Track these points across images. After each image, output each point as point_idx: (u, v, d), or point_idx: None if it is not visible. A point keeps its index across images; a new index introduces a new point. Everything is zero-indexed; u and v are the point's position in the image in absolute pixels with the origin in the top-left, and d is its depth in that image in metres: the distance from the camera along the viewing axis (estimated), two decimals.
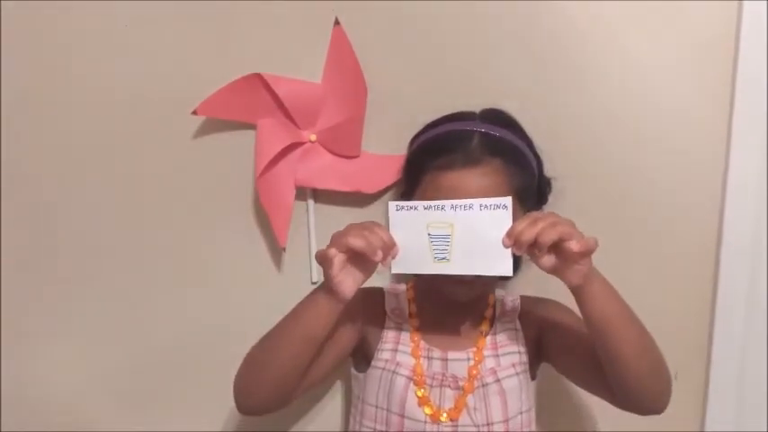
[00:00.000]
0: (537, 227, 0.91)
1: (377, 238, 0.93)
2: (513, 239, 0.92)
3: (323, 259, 0.93)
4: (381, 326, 1.13)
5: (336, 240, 0.93)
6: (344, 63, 1.18)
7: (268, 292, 1.28)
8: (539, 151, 1.13)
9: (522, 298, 1.16)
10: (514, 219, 0.98)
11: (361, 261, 0.95)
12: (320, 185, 1.23)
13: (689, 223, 1.25)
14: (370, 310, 1.12)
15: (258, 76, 1.17)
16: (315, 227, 1.25)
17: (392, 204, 0.97)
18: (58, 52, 1.24)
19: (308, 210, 1.25)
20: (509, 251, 0.94)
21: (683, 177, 1.23)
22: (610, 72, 1.21)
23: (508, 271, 0.95)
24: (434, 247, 0.96)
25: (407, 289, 1.16)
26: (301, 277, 1.27)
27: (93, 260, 1.30)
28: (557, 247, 0.92)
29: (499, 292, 1.17)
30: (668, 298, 1.26)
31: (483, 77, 1.21)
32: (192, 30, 1.22)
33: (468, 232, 0.95)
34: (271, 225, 1.23)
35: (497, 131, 1.07)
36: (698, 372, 1.28)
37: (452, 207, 0.95)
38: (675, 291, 1.27)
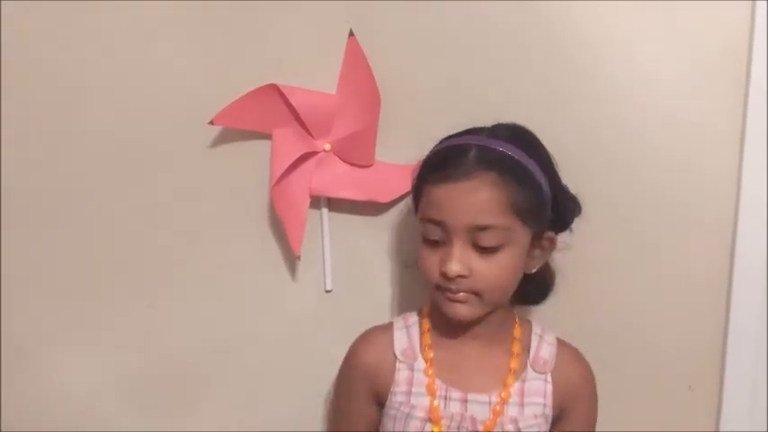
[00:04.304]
0: None
1: None
2: None
3: None
4: (392, 371, 1.08)
5: None
6: (359, 74, 1.18)
7: (282, 300, 1.29)
8: (557, 170, 1.08)
9: (560, 345, 1.11)
10: (516, 238, 1.00)
11: None
12: (334, 194, 1.24)
13: (702, 232, 1.24)
14: (379, 363, 1.09)
15: (274, 87, 1.18)
16: (329, 235, 1.26)
17: None
18: (73, 60, 1.25)
19: (322, 218, 1.26)
20: None
21: (695, 188, 1.22)
22: (620, 81, 1.21)
23: None
24: None
25: (424, 316, 1.11)
26: (315, 285, 1.28)
27: (106, 267, 1.31)
28: None
29: (535, 328, 1.12)
30: (681, 309, 1.25)
31: (496, 87, 1.21)
32: (208, 41, 1.23)
33: None
34: (285, 233, 1.23)
35: (497, 145, 1.02)
36: (711, 383, 1.26)
37: None
38: (689, 301, 1.25)
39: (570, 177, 1.14)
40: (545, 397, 1.07)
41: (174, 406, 1.36)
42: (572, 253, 1.14)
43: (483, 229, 0.99)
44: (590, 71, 1.21)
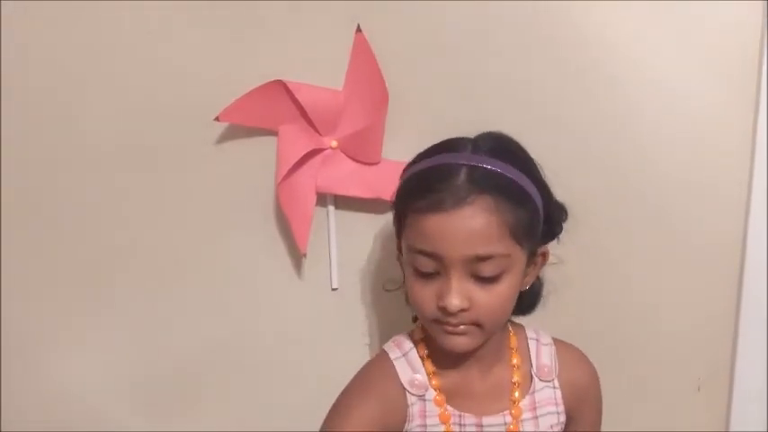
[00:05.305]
0: None
1: None
2: None
3: None
4: (404, 405, 1.01)
5: None
6: (366, 70, 1.18)
7: (287, 298, 1.29)
8: (545, 178, 1.01)
9: (558, 347, 1.08)
10: (514, 262, 0.93)
11: None
12: (341, 192, 1.23)
13: (712, 232, 1.24)
14: (390, 395, 1.01)
15: (280, 83, 1.17)
16: (335, 233, 1.26)
17: None
18: (73, 60, 1.24)
19: (328, 216, 1.25)
20: None
21: (706, 182, 1.23)
22: (624, 84, 1.21)
23: None
24: None
25: (418, 342, 1.05)
26: (321, 283, 1.28)
27: (110, 266, 1.30)
28: None
29: (529, 332, 1.08)
30: (691, 309, 1.25)
31: (503, 84, 1.21)
32: (214, 37, 1.22)
33: None
34: (291, 231, 1.23)
35: (487, 163, 0.93)
36: (721, 384, 1.27)
37: None
38: (698, 301, 1.26)
39: (573, 180, 1.13)
40: (557, 404, 1.05)
41: (174, 406, 1.35)
42: (577, 252, 1.14)
43: (483, 259, 0.91)
44: (594, 72, 1.21)
